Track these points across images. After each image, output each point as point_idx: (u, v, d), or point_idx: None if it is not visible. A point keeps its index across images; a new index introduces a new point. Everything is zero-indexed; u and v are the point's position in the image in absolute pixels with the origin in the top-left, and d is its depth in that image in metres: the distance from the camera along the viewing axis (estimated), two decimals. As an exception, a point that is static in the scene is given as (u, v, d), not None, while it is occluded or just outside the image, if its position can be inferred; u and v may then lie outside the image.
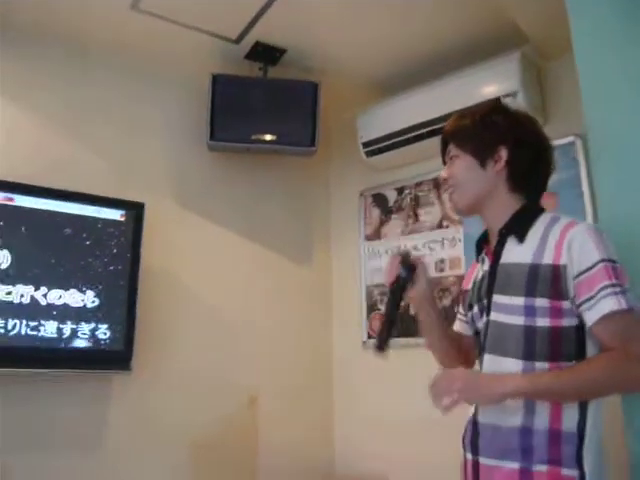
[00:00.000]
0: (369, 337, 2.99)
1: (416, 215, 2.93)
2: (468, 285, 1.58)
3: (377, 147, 2.90)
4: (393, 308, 1.47)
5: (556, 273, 1.30)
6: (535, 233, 1.37)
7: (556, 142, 2.40)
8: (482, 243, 1.54)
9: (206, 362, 2.71)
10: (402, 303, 1.50)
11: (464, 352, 1.60)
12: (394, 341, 2.86)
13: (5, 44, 2.42)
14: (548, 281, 1.30)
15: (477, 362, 1.47)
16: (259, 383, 2.84)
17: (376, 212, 3.11)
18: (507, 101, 2.39)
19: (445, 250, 2.77)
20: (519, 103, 2.36)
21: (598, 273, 1.26)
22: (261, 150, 2.77)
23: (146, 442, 2.51)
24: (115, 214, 2.42)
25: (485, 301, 1.43)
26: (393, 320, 1.47)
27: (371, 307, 3.02)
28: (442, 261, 2.77)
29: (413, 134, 2.77)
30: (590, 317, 1.27)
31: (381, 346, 1.45)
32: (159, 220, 2.60)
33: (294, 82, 2.73)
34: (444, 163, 1.54)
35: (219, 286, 2.82)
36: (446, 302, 2.72)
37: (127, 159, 2.67)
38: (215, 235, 2.86)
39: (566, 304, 1.30)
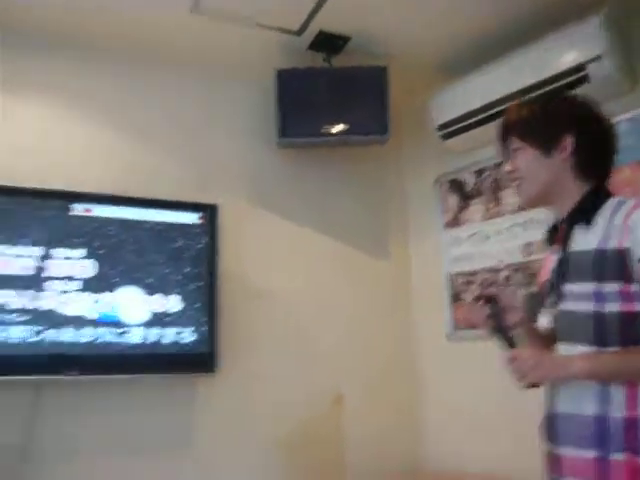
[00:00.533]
0: (454, 329, 2.87)
1: (497, 198, 2.78)
2: (545, 277, 1.54)
3: (453, 129, 2.76)
4: (510, 341, 1.44)
5: (622, 256, 1.29)
6: (602, 218, 1.35)
7: (650, 107, 2.21)
8: (553, 233, 1.51)
9: (288, 361, 2.69)
10: (511, 332, 1.47)
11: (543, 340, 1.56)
12: (481, 332, 2.76)
13: (70, 53, 2.48)
14: (615, 265, 1.29)
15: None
16: (342, 380, 2.80)
17: (454, 198, 2.97)
18: (591, 67, 2.21)
19: (531, 233, 2.60)
20: (605, 68, 2.18)
21: None
22: (332, 143, 2.71)
23: (233, 443, 2.52)
24: (191, 217, 2.44)
25: (557, 290, 1.42)
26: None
27: (455, 296, 2.89)
28: (529, 245, 2.60)
29: (491, 112, 2.60)
30: None
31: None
32: (233, 221, 2.60)
33: (361, 69, 2.64)
34: (503, 156, 1.51)
35: (297, 283, 2.79)
36: (535, 288, 2.55)
37: (198, 162, 2.69)
38: (290, 232, 2.83)
39: (635, 287, 1.28)
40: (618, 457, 1.25)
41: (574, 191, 1.41)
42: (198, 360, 2.37)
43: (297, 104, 2.63)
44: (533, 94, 2.46)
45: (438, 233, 3.00)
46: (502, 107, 2.55)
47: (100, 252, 2.28)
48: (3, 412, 2.17)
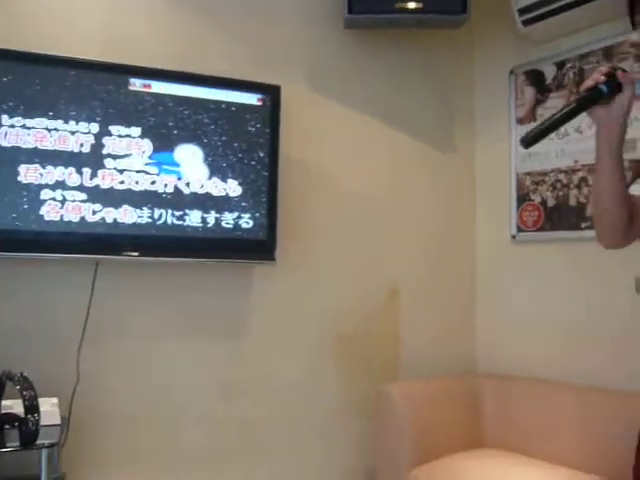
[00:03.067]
0: (519, 230, 2.75)
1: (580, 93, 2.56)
2: None
3: (536, 14, 2.51)
4: (566, 114, 1.28)
5: None
6: None
7: None
8: None
9: (347, 253, 2.64)
10: (579, 114, 1.30)
11: (630, 213, 1.36)
12: (549, 234, 2.66)
13: None
14: None
15: None
16: (400, 275, 2.75)
17: (530, 91, 2.75)
18: None
19: (635, 129, 2.40)
20: None
21: None
22: (404, 22, 2.49)
23: (287, 334, 2.51)
24: (251, 98, 2.30)
25: None
26: (557, 124, 1.29)
27: (522, 198, 2.75)
28: (633, 140, 2.41)
29: (580, -5, 2.36)
30: None
31: (527, 138, 1.27)
32: (294, 105, 2.45)
33: (442, -63, 2.38)
34: (633, 25, 1.29)
35: (357, 174, 2.68)
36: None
37: (259, 40, 2.51)
38: (352, 120, 2.68)
39: None
40: None
41: None
42: (257, 247, 2.31)
43: (370, -24, 2.40)
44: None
45: (509, 128, 2.81)
46: (592, -9, 2.31)
47: (155, 131, 2.17)
48: (62, 290, 2.16)
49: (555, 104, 2.63)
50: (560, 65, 2.64)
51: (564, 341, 2.53)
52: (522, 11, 2.54)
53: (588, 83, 1.29)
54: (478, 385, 2.65)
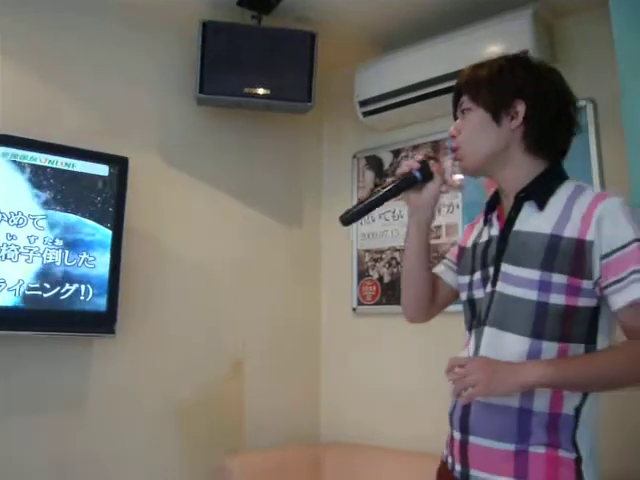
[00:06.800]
0: (359, 304, 2.92)
1: (412, 179, 2.82)
2: (467, 243, 1.47)
3: (374, 107, 2.77)
4: (383, 195, 1.41)
5: (580, 249, 1.19)
6: (557, 201, 1.27)
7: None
8: (493, 204, 1.41)
9: (191, 326, 2.61)
10: (394, 198, 1.44)
11: (432, 292, 1.55)
12: (385, 308, 2.82)
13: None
14: (569, 256, 1.20)
15: (471, 334, 1.39)
16: (245, 346, 2.76)
17: (370, 175, 2.99)
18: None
19: (442, 216, 2.67)
20: (530, 63, 2.24)
21: (632, 254, 1.17)
22: (253, 105, 2.61)
23: (129, 408, 2.41)
24: (98, 169, 2.26)
25: (491, 269, 1.31)
26: (374, 205, 1.41)
27: (362, 273, 2.93)
28: (438, 228, 2.68)
29: (413, 94, 2.64)
30: (617, 301, 1.18)
31: (345, 217, 1.39)
32: (143, 177, 2.44)
33: (290, 32, 2.55)
34: (455, 118, 1.41)
35: (204, 247, 2.70)
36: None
37: (110, 111, 2.50)
38: (201, 194, 2.72)
39: (586, 283, 1.20)
40: (538, 450, 1.20)
41: (523, 166, 1.32)
42: (97, 320, 2.23)
43: (220, 60, 2.50)
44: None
45: (351, 208, 3.00)
46: (424, 91, 2.59)
47: (-6, 197, 2.07)
48: None
49: (391, 188, 2.87)
50: (396, 153, 2.90)
51: (400, 407, 2.65)
52: (362, 104, 2.79)
53: (403, 169, 1.42)
54: (321, 454, 2.71)
